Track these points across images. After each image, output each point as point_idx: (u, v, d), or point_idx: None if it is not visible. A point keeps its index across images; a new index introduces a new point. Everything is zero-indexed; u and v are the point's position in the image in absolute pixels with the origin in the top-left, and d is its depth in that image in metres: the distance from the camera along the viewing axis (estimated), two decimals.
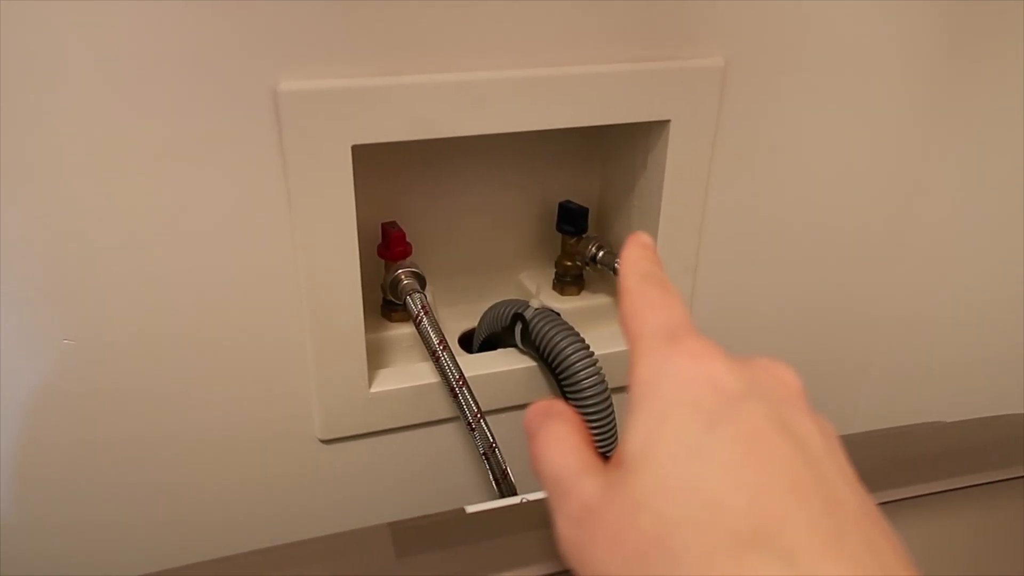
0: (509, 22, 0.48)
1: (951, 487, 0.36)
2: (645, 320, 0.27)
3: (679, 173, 0.56)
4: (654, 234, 0.58)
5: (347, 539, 0.37)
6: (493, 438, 0.54)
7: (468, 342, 0.64)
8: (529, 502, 0.39)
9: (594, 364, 0.55)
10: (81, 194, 0.45)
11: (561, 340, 0.55)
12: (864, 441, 0.41)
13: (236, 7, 0.43)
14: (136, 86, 0.43)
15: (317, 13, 0.44)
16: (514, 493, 0.56)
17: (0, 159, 0.42)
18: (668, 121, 0.54)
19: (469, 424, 0.54)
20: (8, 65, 0.41)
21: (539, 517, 0.35)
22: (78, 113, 0.43)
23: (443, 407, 0.58)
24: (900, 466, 0.37)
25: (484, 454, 0.55)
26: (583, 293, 0.64)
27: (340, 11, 0.45)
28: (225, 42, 0.43)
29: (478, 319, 0.62)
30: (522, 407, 0.61)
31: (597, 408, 0.55)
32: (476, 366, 0.58)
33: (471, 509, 0.38)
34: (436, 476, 0.61)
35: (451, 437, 0.60)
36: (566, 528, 0.26)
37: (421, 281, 0.56)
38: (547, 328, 0.56)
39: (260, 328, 0.52)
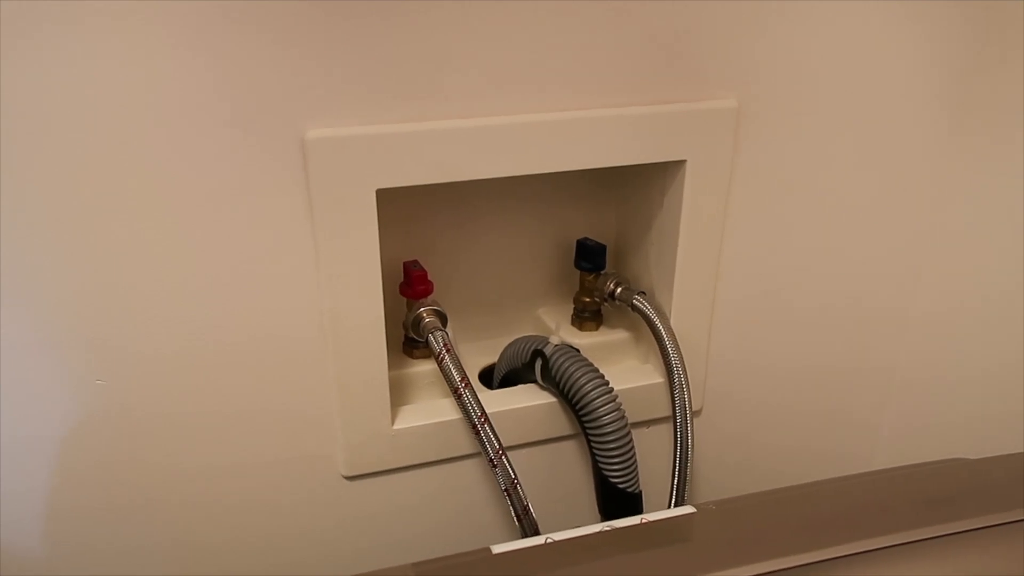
0: (527, 68, 0.50)
1: (975, 526, 0.36)
2: None
3: (696, 211, 0.57)
4: (671, 271, 0.59)
5: None
6: (515, 474, 0.55)
7: (488, 377, 0.65)
8: (553, 542, 0.39)
9: (613, 400, 0.56)
10: (116, 239, 0.46)
11: (581, 377, 0.56)
12: (887, 478, 0.41)
13: (266, 60, 0.45)
14: (171, 135, 0.45)
15: (342, 65, 0.46)
16: (535, 528, 0.56)
17: (41, 206, 0.44)
18: (684, 161, 0.55)
19: (491, 460, 0.55)
20: (51, 116, 0.42)
21: (562, 557, 0.36)
22: (115, 160, 0.45)
23: (465, 443, 0.58)
24: (925, 504, 0.37)
25: (506, 490, 0.55)
26: (601, 328, 0.65)
27: (364, 62, 0.46)
28: (256, 93, 0.45)
29: (498, 354, 0.63)
30: (543, 443, 0.61)
31: (617, 444, 0.56)
32: (497, 402, 0.58)
33: (497, 550, 0.38)
34: (458, 512, 0.61)
35: (473, 473, 0.60)
36: None
37: (443, 319, 0.57)
38: (566, 364, 0.57)
39: (285, 367, 0.53)
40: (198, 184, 0.46)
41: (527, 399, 0.60)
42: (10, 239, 0.44)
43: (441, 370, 0.55)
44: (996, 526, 0.34)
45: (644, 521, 0.37)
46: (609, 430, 0.56)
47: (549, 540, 0.40)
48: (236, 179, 0.47)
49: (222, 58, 0.44)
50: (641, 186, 0.60)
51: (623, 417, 0.56)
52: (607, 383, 0.56)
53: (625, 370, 0.63)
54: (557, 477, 0.63)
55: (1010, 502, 0.36)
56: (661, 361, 0.60)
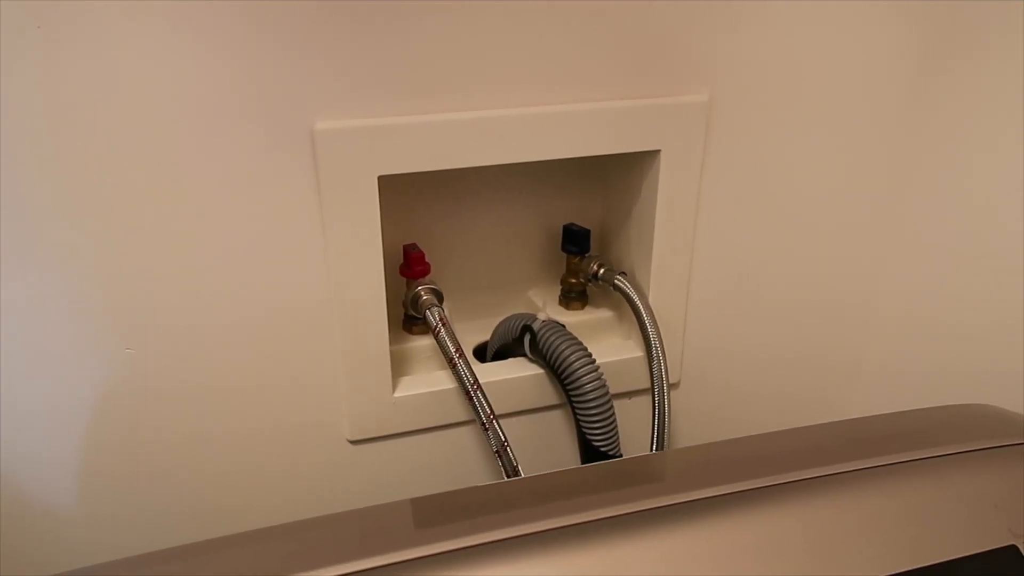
0: (517, 66, 0.54)
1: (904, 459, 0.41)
2: None
3: (670, 197, 0.62)
4: (649, 253, 0.63)
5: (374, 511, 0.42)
6: (505, 438, 0.59)
7: (481, 354, 0.69)
8: (535, 476, 0.43)
9: (596, 371, 0.60)
10: (141, 222, 0.51)
11: (566, 349, 0.60)
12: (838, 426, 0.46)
13: (279, 59, 0.49)
14: (192, 126, 0.50)
15: (348, 63, 0.51)
16: None
17: (76, 188, 0.49)
18: (659, 151, 0.60)
19: (483, 425, 0.59)
20: (83, 107, 0.47)
21: (542, 484, 0.41)
22: (142, 147, 0.49)
23: (460, 410, 0.63)
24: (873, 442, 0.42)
25: (497, 452, 0.60)
26: (586, 307, 0.69)
27: (368, 62, 0.51)
28: (269, 89, 0.50)
29: (490, 333, 0.67)
30: (532, 411, 0.66)
31: (599, 411, 0.60)
32: (489, 373, 0.63)
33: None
34: (454, 473, 0.66)
35: (467, 438, 0.65)
36: None
37: (439, 297, 0.62)
38: (554, 338, 0.61)
39: (296, 340, 0.58)
40: (217, 171, 0.51)
41: (517, 371, 0.64)
42: (46, 217, 0.49)
43: (437, 342, 0.60)
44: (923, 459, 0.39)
45: (619, 461, 0.42)
46: (592, 397, 0.60)
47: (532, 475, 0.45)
48: (251, 167, 0.52)
49: (239, 57, 0.49)
50: (622, 175, 0.65)
51: (604, 385, 0.60)
52: (590, 355, 0.60)
53: (608, 346, 0.67)
54: (545, 443, 0.67)
55: (939, 439, 0.41)
56: (641, 337, 0.64)
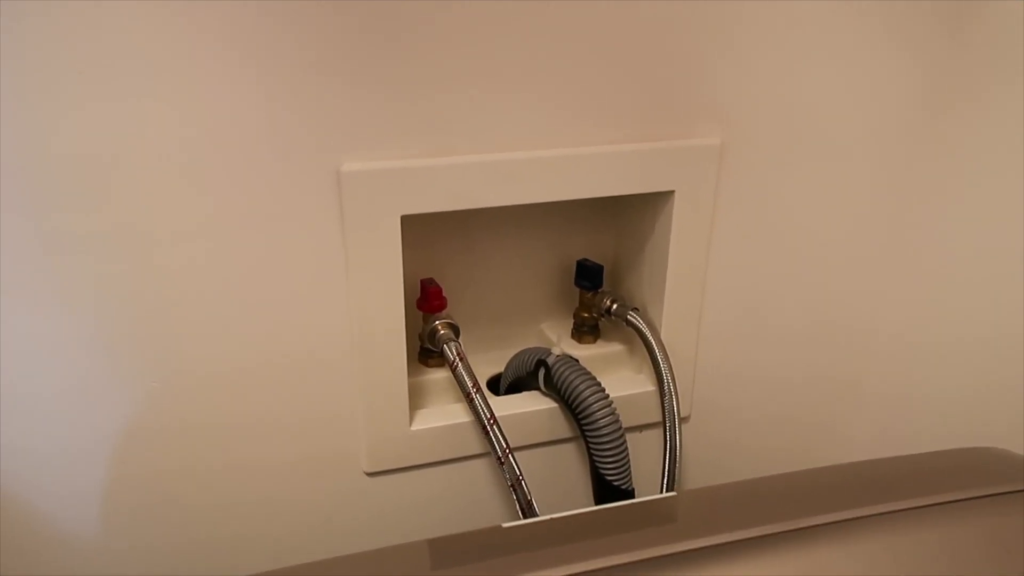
0: (535, 110, 0.56)
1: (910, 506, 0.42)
2: None
3: (683, 236, 0.63)
4: (662, 289, 0.64)
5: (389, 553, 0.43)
6: (520, 472, 0.60)
7: (495, 386, 0.70)
8: (556, 518, 0.45)
9: (610, 406, 0.61)
10: (167, 260, 0.52)
11: (580, 385, 0.61)
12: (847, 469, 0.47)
13: (307, 103, 0.51)
14: (222, 166, 0.51)
15: (374, 106, 0.52)
16: None
17: (97, 229, 0.50)
18: (672, 192, 0.61)
19: (499, 459, 0.60)
20: (108, 146, 0.48)
21: (565, 527, 0.42)
22: (174, 187, 0.50)
23: (476, 443, 0.64)
24: (877, 488, 0.43)
25: (512, 485, 0.60)
26: (599, 341, 0.70)
27: (392, 106, 0.52)
28: (296, 129, 0.51)
29: (504, 365, 0.68)
30: (545, 444, 0.66)
31: (612, 445, 0.61)
32: (504, 407, 0.64)
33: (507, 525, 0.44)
34: (469, 506, 0.66)
35: (482, 470, 0.66)
36: None
37: (456, 331, 0.63)
38: (568, 373, 0.62)
39: (316, 375, 0.58)
40: (243, 210, 0.52)
41: (531, 404, 0.65)
42: (72, 254, 0.50)
43: (455, 376, 0.61)
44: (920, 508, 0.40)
45: (632, 503, 0.43)
46: (605, 432, 0.61)
47: (551, 518, 0.46)
48: (278, 206, 0.53)
49: (267, 99, 0.50)
50: (635, 213, 0.66)
51: (618, 420, 0.61)
52: (604, 390, 0.61)
53: (620, 379, 0.68)
54: (558, 476, 0.68)
55: (942, 487, 0.42)
56: (652, 371, 0.64)
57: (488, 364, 0.70)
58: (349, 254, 0.55)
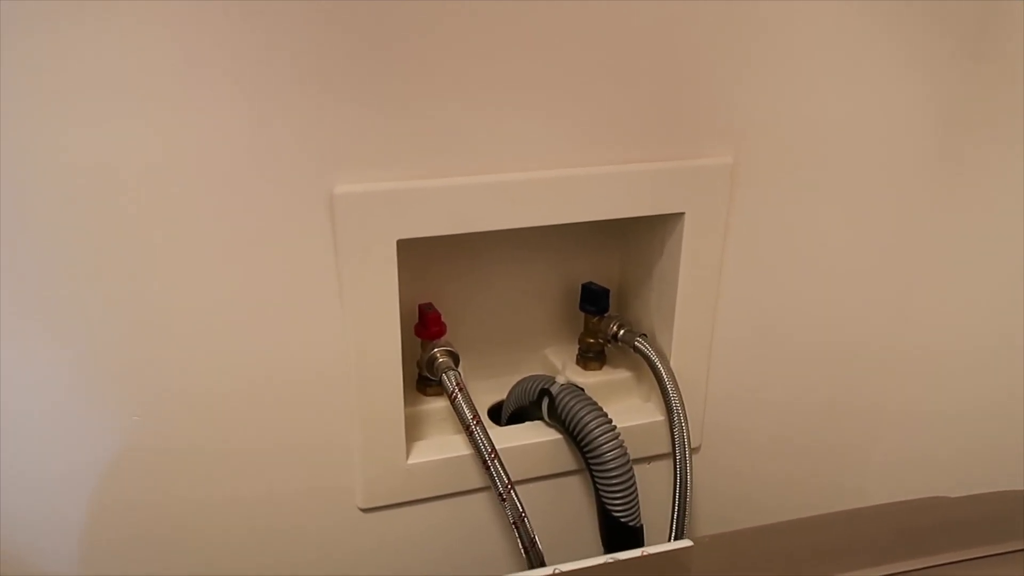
0: (538, 129, 0.53)
1: (953, 560, 0.39)
2: None
3: (693, 260, 0.60)
4: (671, 314, 0.62)
5: None
6: (523, 508, 0.57)
7: (497, 414, 0.68)
8: (560, 573, 0.42)
9: (616, 437, 0.58)
10: (153, 286, 0.50)
11: (586, 416, 0.59)
12: (871, 514, 0.44)
13: (299, 124, 0.48)
14: (206, 189, 0.48)
15: (368, 124, 0.50)
16: (542, 560, 0.59)
17: (80, 257, 0.48)
18: (683, 213, 0.58)
19: (500, 495, 0.57)
20: (102, 168, 0.46)
21: None
22: (160, 209, 0.48)
23: (476, 478, 0.61)
24: (905, 539, 0.40)
25: (514, 523, 0.57)
26: (605, 368, 0.67)
27: (388, 126, 0.50)
28: (289, 151, 0.49)
29: (506, 392, 0.66)
30: (549, 478, 0.64)
31: (619, 480, 0.58)
32: (506, 439, 0.61)
33: None
34: (469, 543, 0.63)
35: (483, 506, 0.63)
36: None
37: (455, 359, 0.60)
38: (572, 402, 0.59)
39: (308, 405, 0.56)
40: (233, 234, 0.50)
41: (534, 436, 0.62)
42: (54, 283, 0.48)
43: (454, 408, 0.58)
44: (966, 561, 0.37)
45: (645, 554, 0.40)
46: (612, 466, 0.58)
47: (557, 571, 0.43)
48: (268, 230, 0.50)
49: (258, 120, 0.48)
50: (643, 235, 0.64)
51: (625, 453, 0.58)
52: (610, 421, 0.59)
53: (627, 408, 0.66)
54: (562, 511, 0.65)
55: (982, 538, 0.39)
56: (661, 400, 0.62)
57: (490, 391, 0.68)
58: (343, 280, 0.53)
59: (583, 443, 0.59)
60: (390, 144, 0.51)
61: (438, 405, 0.62)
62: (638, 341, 0.63)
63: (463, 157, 0.52)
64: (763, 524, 0.44)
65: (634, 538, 0.60)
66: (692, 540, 0.41)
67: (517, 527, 0.58)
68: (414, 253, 0.59)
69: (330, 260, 0.52)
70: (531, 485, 0.63)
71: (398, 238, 0.52)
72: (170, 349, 0.52)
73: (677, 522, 0.61)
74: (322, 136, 0.49)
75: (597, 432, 0.58)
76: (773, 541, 0.41)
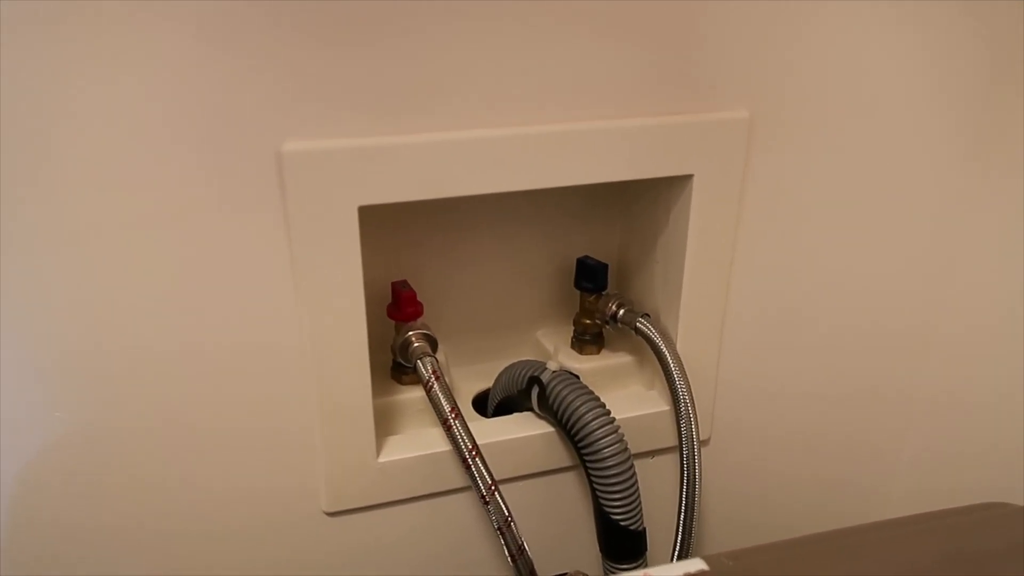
0: (524, 76, 0.47)
1: None
2: None
3: (704, 229, 0.54)
4: (678, 292, 0.56)
5: None
6: (508, 511, 0.51)
7: (483, 403, 0.62)
8: None
9: (615, 431, 0.53)
10: (79, 263, 0.43)
11: (580, 405, 0.53)
12: (917, 529, 0.37)
13: (237, 67, 0.42)
14: (135, 149, 0.42)
15: (322, 71, 0.43)
16: (531, 569, 0.53)
17: (1, 227, 0.41)
18: (691, 176, 0.53)
19: (483, 497, 0.51)
20: (11, 136, 0.40)
21: None
22: (75, 179, 0.42)
23: (456, 477, 0.55)
24: (966, 564, 0.34)
25: (499, 528, 0.52)
26: (603, 352, 0.62)
27: (346, 69, 0.43)
28: (226, 102, 0.42)
29: (493, 379, 0.61)
30: (540, 475, 0.58)
31: (618, 479, 0.53)
32: (490, 432, 0.56)
33: None
34: (449, 550, 0.58)
35: (464, 508, 0.57)
36: None
37: (432, 344, 0.54)
38: (565, 392, 0.54)
39: (262, 396, 0.50)
40: (163, 204, 0.43)
41: (523, 429, 0.57)
42: None
43: (430, 399, 0.52)
44: None
45: None
46: (610, 463, 0.53)
47: None
48: (209, 196, 0.44)
49: (190, 70, 0.41)
50: (646, 202, 0.58)
51: (625, 450, 0.53)
52: (608, 412, 0.54)
53: (628, 397, 0.61)
54: (555, 512, 0.60)
55: None
56: (666, 388, 0.57)
57: (475, 379, 0.63)
58: (296, 254, 0.46)
59: (577, 437, 0.53)
60: (349, 93, 0.44)
61: (415, 395, 0.57)
62: (640, 322, 0.57)
63: (436, 109, 0.46)
64: (789, 539, 0.37)
65: (636, 543, 0.55)
66: (706, 562, 0.34)
67: (503, 533, 0.52)
68: (384, 223, 0.54)
69: (280, 230, 0.46)
70: (520, 484, 0.58)
71: (359, 204, 0.46)
72: (97, 338, 0.45)
73: (684, 526, 0.56)
74: (266, 83, 0.42)
75: (593, 425, 0.53)
76: (802, 561, 0.34)
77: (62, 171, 0.41)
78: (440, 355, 0.55)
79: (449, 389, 0.52)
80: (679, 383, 0.56)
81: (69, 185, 0.42)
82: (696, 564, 0.35)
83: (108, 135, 0.41)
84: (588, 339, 0.61)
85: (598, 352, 0.62)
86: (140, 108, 0.41)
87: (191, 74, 0.41)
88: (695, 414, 0.56)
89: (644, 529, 0.55)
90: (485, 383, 0.62)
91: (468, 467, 0.51)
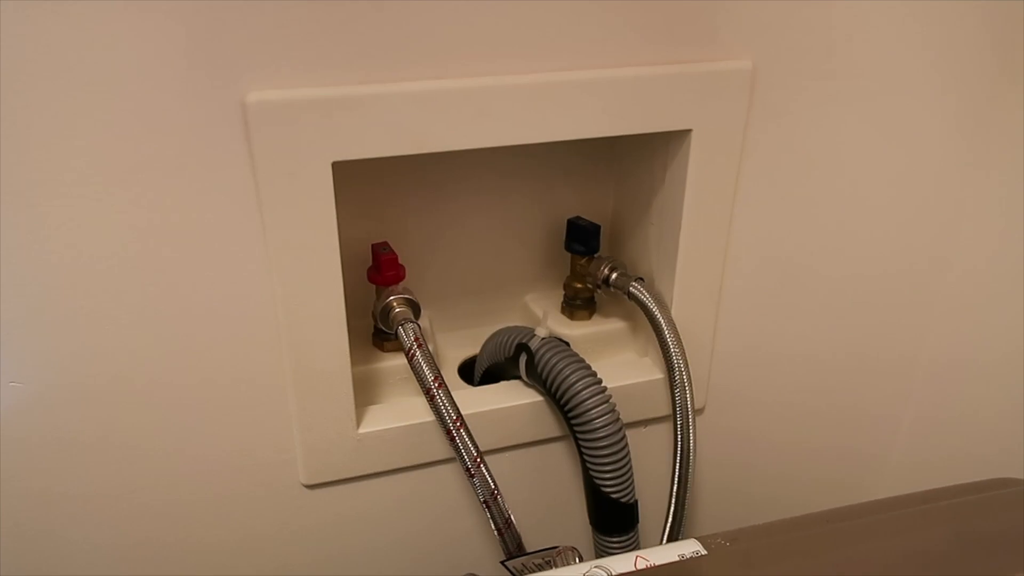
0: (511, 22, 0.44)
1: None
2: None
3: (701, 188, 0.52)
4: (673, 255, 0.54)
5: None
6: (495, 484, 0.49)
7: (469, 370, 0.60)
8: None
9: (606, 400, 0.51)
10: (30, 224, 0.40)
11: (569, 373, 0.51)
12: (925, 510, 0.35)
13: (196, 7, 0.38)
14: (85, 102, 0.38)
15: (291, 14, 0.40)
16: (518, 542, 0.51)
17: None
18: (689, 131, 0.50)
19: (468, 471, 0.49)
20: None
21: None
22: (22, 134, 0.38)
23: (439, 448, 0.53)
24: (976, 547, 0.32)
25: (485, 502, 0.49)
26: (594, 318, 0.60)
27: (317, 11, 0.40)
28: (185, 49, 0.39)
29: (480, 345, 0.58)
30: (528, 446, 0.56)
31: (609, 450, 0.51)
32: (476, 402, 0.53)
33: None
34: (433, 523, 0.56)
35: (449, 478, 0.55)
36: None
37: (415, 309, 0.52)
38: (554, 359, 0.52)
39: (234, 365, 0.47)
40: (122, 160, 0.40)
41: (510, 398, 0.55)
42: None
43: (412, 368, 0.49)
44: None
45: (640, 566, 0.31)
46: (601, 434, 0.50)
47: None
48: (168, 151, 0.41)
49: (145, 7, 0.37)
50: (640, 159, 0.55)
51: (617, 420, 0.51)
52: (599, 381, 0.51)
53: (620, 364, 0.59)
54: (543, 484, 0.58)
55: None
56: (660, 355, 0.55)
57: (461, 345, 0.61)
58: (265, 213, 0.43)
59: (567, 406, 0.51)
60: (321, 38, 0.41)
61: (396, 363, 0.54)
62: (633, 286, 0.55)
63: (414, 57, 0.43)
64: (789, 518, 0.35)
65: (627, 516, 0.53)
66: (703, 544, 0.32)
67: (488, 506, 0.50)
68: (362, 181, 0.51)
69: (247, 187, 0.43)
70: (507, 454, 0.56)
71: (333, 160, 0.43)
72: (56, 299, 0.42)
73: (677, 497, 0.54)
74: (228, 26, 0.39)
75: (584, 394, 0.51)
76: (803, 545, 0.32)
77: (10, 125, 0.38)
78: (424, 320, 0.52)
79: (432, 357, 0.49)
80: (673, 350, 0.54)
81: (16, 140, 0.38)
82: (692, 546, 0.33)
83: (57, 86, 0.38)
84: (579, 304, 0.59)
85: (589, 317, 0.60)
86: (88, 55, 0.37)
87: (144, 15, 0.37)
88: (690, 382, 0.54)
89: (636, 501, 0.53)
90: (471, 349, 0.60)
91: (452, 439, 0.49)
